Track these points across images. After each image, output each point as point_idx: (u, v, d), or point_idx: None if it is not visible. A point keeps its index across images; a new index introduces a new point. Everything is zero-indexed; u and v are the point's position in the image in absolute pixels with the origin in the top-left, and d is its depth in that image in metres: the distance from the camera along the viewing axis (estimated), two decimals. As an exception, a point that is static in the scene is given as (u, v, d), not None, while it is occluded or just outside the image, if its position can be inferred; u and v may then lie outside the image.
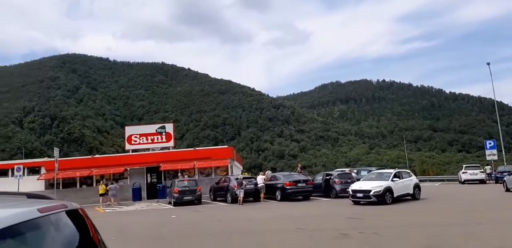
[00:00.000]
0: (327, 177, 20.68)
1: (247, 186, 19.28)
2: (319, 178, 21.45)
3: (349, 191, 16.48)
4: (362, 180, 17.63)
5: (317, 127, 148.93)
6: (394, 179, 16.09)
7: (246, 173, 29.68)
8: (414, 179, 17.43)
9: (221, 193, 21.17)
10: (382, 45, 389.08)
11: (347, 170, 25.43)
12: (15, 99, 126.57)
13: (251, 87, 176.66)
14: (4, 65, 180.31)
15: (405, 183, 16.63)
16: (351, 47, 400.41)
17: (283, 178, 19.90)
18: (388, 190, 15.57)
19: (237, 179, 19.61)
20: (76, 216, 1.92)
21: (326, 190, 20.28)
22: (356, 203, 15.77)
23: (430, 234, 8.43)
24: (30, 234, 1.48)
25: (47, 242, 1.60)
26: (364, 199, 15.61)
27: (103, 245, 2.07)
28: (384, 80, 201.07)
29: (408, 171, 19.62)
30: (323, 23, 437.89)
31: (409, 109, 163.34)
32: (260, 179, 20.33)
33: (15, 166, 24.54)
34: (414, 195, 16.83)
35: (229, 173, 27.25)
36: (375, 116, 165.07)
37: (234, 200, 19.14)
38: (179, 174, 27.07)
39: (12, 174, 25.07)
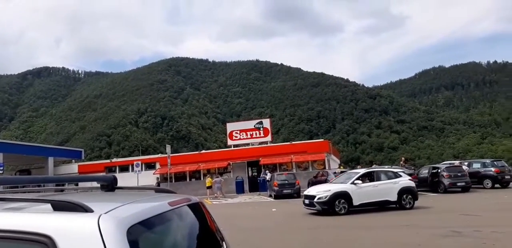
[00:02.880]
0: (434, 171, 19.28)
1: (346, 180, 18.95)
2: (424, 172, 20.12)
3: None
4: (330, 182, 14.89)
5: (419, 117, 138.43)
6: (356, 181, 12.67)
7: (342, 167, 29.14)
8: (402, 182, 13.01)
9: (319, 187, 21.15)
10: (492, 22, 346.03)
11: (456, 162, 23.35)
12: (131, 101, 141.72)
13: (345, 78, 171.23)
14: (120, 72, 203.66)
15: (380, 187, 12.73)
16: (455, 27, 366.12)
17: (384, 171, 19.09)
18: (341, 195, 12.32)
19: (335, 173, 19.44)
20: (197, 209, 2.12)
21: (433, 184, 18.95)
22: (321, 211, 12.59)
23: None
24: (163, 225, 1.67)
25: (174, 232, 1.80)
26: (310, 206, 12.73)
27: (219, 233, 2.29)
28: (495, 62, 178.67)
29: (396, 170, 14.46)
30: (420, 4, 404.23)
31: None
32: (360, 173, 19.83)
33: (134, 162, 27.36)
34: (400, 203, 12.71)
35: (326, 167, 27.09)
36: (486, 102, 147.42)
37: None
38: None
39: (132, 169, 28.21)
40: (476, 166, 20.52)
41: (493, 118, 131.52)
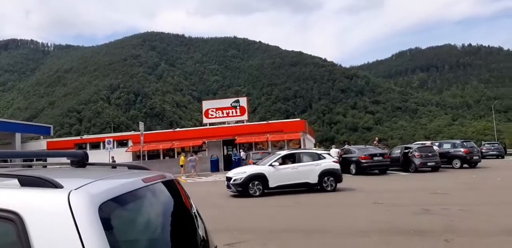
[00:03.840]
0: (406, 151, 19.82)
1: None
2: (397, 152, 20.65)
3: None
4: (256, 164, 14.61)
5: (394, 98, 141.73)
6: (274, 163, 12.58)
7: (317, 146, 29.58)
8: (324, 164, 12.84)
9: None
10: (468, 5, 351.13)
11: (427, 143, 24.06)
12: (103, 77, 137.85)
13: (323, 58, 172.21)
14: (92, 46, 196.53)
15: (300, 169, 12.60)
16: (432, 9, 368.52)
17: (358, 151, 19.46)
18: (256, 177, 12.23)
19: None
20: (171, 185, 2.04)
21: (404, 164, 19.53)
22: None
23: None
24: (136, 202, 1.60)
25: (148, 209, 1.73)
26: (228, 188, 12.76)
27: (194, 209, 2.22)
28: (470, 44, 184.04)
29: (320, 152, 14.16)
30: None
31: (499, 75, 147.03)
32: (334, 153, 20.10)
33: (106, 139, 26.56)
34: (321, 185, 12.62)
35: (302, 146, 27.40)
36: (459, 84, 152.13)
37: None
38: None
39: (104, 147, 27.58)
40: (447, 146, 21.19)
41: (465, 100, 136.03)
